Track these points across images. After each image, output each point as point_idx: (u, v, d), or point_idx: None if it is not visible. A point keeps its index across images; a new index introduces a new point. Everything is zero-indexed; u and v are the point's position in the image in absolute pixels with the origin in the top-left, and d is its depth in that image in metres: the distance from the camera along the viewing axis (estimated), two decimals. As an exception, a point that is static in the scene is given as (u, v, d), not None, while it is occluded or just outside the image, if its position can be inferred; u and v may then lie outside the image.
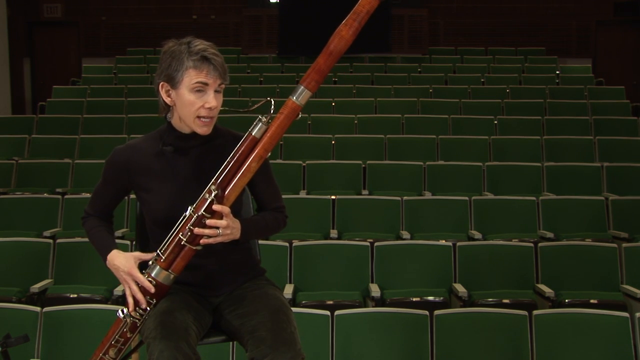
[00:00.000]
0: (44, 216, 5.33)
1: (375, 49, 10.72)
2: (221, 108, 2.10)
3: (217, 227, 1.98)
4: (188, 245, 1.99)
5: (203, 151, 2.15)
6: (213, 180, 1.99)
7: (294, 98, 1.99)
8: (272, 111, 2.01)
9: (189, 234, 1.98)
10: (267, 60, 11.17)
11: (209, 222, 1.97)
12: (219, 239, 2.00)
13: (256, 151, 1.99)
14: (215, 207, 1.96)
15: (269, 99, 2.04)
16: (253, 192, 2.23)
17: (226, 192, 1.99)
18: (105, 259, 2.12)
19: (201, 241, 1.99)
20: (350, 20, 1.96)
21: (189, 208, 1.98)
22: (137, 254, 2.09)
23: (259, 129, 2.00)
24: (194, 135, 2.13)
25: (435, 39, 11.75)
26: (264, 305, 2.10)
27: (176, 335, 1.93)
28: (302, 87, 1.99)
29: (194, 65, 2.03)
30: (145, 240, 2.28)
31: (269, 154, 2.05)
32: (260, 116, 2.00)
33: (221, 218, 1.98)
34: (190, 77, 2.03)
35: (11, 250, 4.48)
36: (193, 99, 2.04)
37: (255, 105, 2.11)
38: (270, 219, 2.19)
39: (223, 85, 2.09)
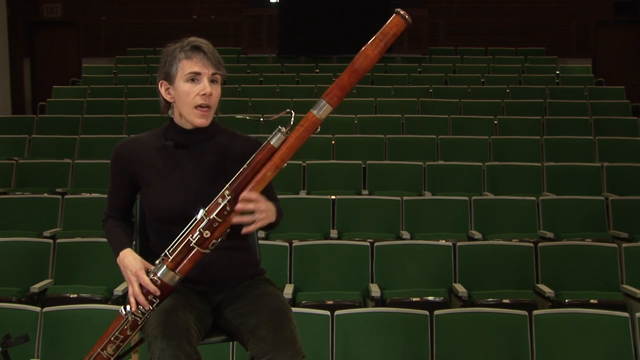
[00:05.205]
0: (44, 216, 5.31)
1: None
2: (241, 116, 2.10)
3: (252, 212, 1.95)
4: (197, 247, 1.98)
5: (204, 147, 2.16)
6: (227, 185, 1.98)
7: (315, 112, 1.98)
8: (291, 123, 2.00)
9: (199, 236, 1.97)
10: (267, 60, 11.17)
11: (239, 206, 1.95)
12: (258, 224, 1.99)
13: (273, 161, 1.99)
14: (244, 194, 1.94)
15: (290, 111, 2.03)
16: None
17: (240, 198, 1.97)
18: (117, 256, 2.12)
19: (243, 230, 1.98)
20: (377, 40, 1.95)
21: (201, 211, 1.98)
22: (144, 261, 2.09)
23: (277, 139, 1.98)
24: (195, 130, 2.14)
25: (435, 39, 11.75)
26: (264, 304, 2.10)
27: (178, 334, 1.93)
28: (324, 101, 1.98)
29: (185, 56, 2.09)
30: (145, 238, 2.27)
31: (285, 165, 2.03)
32: (280, 127, 1.99)
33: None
34: (184, 68, 2.08)
35: (11, 250, 4.48)
36: (188, 88, 2.08)
37: (276, 116, 2.09)
38: (279, 207, 2.18)
39: (218, 76, 2.11)
